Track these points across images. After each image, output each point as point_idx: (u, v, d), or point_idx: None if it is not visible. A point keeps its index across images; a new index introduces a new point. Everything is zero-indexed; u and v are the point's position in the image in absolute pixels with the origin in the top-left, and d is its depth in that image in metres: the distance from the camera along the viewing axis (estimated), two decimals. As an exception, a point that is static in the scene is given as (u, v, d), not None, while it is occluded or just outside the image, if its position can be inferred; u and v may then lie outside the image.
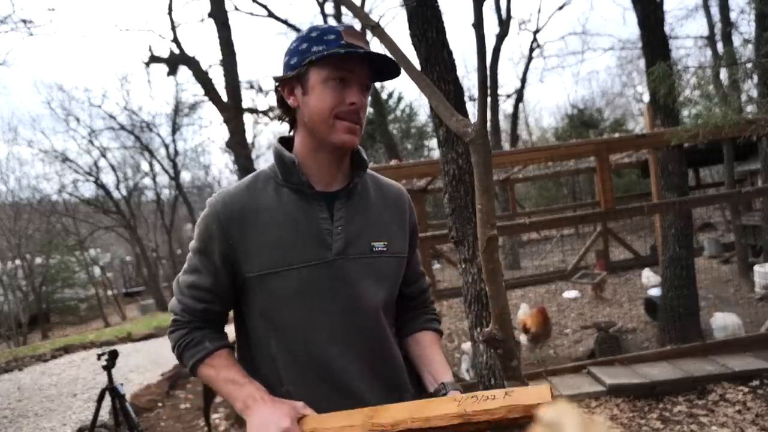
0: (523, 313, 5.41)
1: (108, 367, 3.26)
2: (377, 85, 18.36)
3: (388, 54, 1.12)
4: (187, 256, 1.16)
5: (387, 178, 1.28)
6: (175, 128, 21.11)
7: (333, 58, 1.04)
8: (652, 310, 5.57)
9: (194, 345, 1.11)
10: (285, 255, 1.07)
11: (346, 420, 0.94)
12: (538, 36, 16.68)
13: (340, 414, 0.97)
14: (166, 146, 21.24)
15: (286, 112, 1.14)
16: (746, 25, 8.96)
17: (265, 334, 1.11)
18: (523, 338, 4.92)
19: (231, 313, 1.21)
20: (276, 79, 1.12)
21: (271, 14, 13.71)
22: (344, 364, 1.09)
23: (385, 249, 1.15)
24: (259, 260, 1.07)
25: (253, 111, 16.07)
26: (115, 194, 20.70)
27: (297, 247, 1.08)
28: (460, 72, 2.73)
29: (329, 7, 14.65)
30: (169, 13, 12.70)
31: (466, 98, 2.82)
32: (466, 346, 4.74)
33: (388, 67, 1.11)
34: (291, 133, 1.17)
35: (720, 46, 8.96)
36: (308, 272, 1.07)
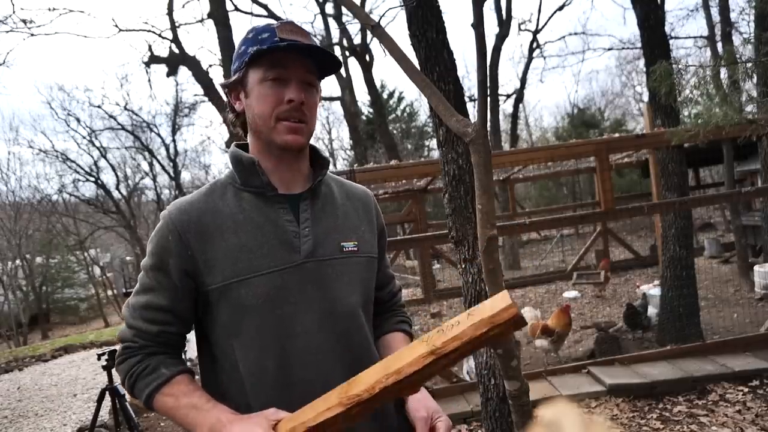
0: (534, 317, 5.09)
1: (108, 367, 3.27)
2: (377, 85, 18.40)
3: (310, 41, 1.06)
4: (138, 276, 1.07)
5: (350, 182, 1.25)
6: (175, 128, 21.14)
7: (268, 57, 1.02)
8: (633, 319, 5.12)
9: (149, 373, 1.00)
10: (250, 261, 1.00)
11: (322, 405, 0.90)
12: (538, 36, 16.63)
13: (315, 403, 0.91)
14: (166, 146, 21.30)
15: (237, 116, 1.12)
16: (746, 25, 8.96)
17: (231, 351, 1.02)
18: (540, 342, 4.65)
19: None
20: (222, 85, 1.11)
21: (271, 14, 13.68)
22: (323, 375, 1.00)
23: (356, 249, 1.10)
24: (222, 270, 0.99)
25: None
26: (115, 194, 20.75)
27: (263, 253, 1.01)
28: (460, 72, 2.72)
29: (329, 7, 14.63)
30: (169, 13, 12.64)
31: (466, 98, 2.81)
32: None
33: (329, 60, 1.07)
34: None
35: (720, 46, 8.96)
36: (277, 277, 1.00)
